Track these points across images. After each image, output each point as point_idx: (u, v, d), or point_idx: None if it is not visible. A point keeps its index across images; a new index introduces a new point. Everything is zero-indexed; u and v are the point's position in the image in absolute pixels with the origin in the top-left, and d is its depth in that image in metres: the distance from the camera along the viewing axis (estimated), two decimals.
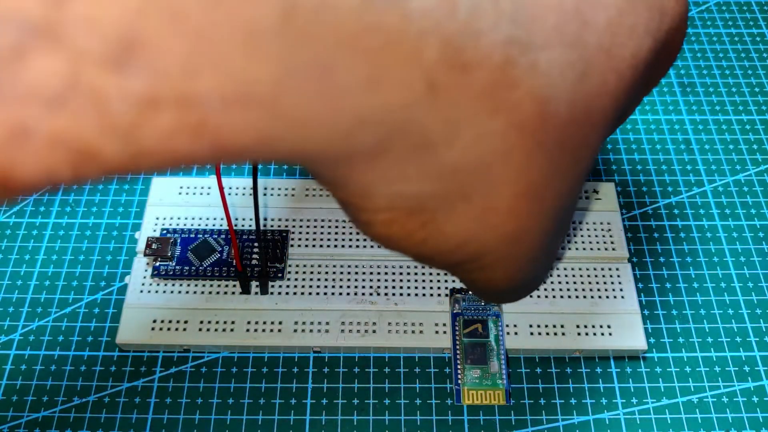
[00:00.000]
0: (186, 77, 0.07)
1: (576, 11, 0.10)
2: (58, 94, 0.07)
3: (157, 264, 0.24)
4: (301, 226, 0.25)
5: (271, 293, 0.23)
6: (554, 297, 0.23)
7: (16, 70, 0.07)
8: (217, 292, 0.23)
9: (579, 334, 0.23)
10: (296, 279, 0.24)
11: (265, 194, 0.26)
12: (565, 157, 0.11)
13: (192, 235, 0.24)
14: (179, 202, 0.25)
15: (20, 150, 0.07)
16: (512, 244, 0.12)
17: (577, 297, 0.23)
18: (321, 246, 0.24)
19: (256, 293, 0.23)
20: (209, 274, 0.23)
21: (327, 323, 0.23)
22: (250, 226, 0.25)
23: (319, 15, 0.08)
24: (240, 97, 0.08)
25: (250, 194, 0.26)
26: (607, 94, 0.11)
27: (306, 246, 0.24)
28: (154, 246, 0.24)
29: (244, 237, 0.24)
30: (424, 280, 0.24)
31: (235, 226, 0.25)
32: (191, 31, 0.07)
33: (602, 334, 0.23)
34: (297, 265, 0.24)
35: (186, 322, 0.23)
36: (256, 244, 0.24)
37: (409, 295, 0.23)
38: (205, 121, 0.08)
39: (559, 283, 0.24)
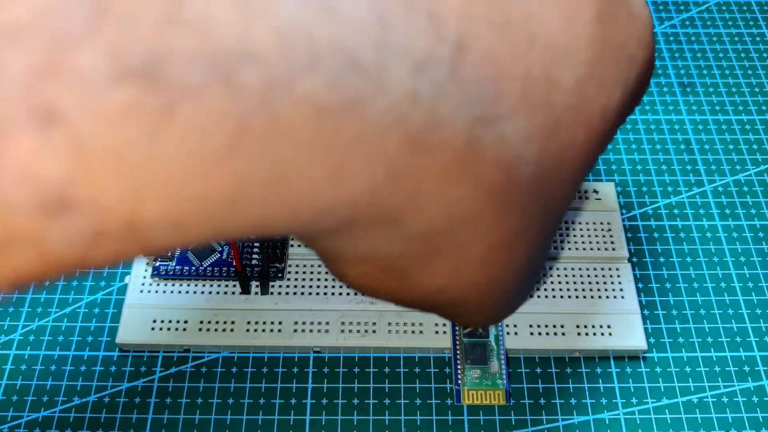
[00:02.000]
0: (131, 210, 0.07)
1: (543, 74, 0.10)
2: None
3: (157, 264, 0.24)
4: None
5: (271, 293, 0.23)
6: (554, 297, 0.23)
7: None
8: (217, 292, 0.23)
9: (579, 334, 0.23)
10: (296, 279, 0.24)
11: None
12: (535, 210, 0.11)
13: None
14: None
15: None
16: (486, 291, 0.12)
17: (577, 297, 0.23)
18: None
19: (256, 293, 0.23)
20: (209, 274, 0.23)
21: (327, 323, 0.23)
22: None
23: (273, 128, 0.08)
24: (192, 215, 0.08)
25: None
26: (576, 147, 0.11)
27: (306, 246, 0.24)
28: None
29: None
30: None
31: None
32: (134, 169, 0.07)
33: (602, 334, 0.23)
34: (297, 265, 0.24)
35: (186, 322, 0.23)
36: (256, 244, 0.24)
37: None
38: (156, 237, 0.08)
39: (559, 283, 0.24)
